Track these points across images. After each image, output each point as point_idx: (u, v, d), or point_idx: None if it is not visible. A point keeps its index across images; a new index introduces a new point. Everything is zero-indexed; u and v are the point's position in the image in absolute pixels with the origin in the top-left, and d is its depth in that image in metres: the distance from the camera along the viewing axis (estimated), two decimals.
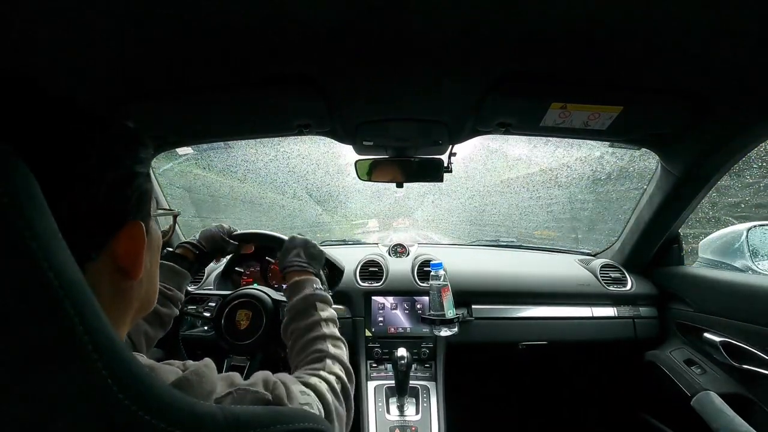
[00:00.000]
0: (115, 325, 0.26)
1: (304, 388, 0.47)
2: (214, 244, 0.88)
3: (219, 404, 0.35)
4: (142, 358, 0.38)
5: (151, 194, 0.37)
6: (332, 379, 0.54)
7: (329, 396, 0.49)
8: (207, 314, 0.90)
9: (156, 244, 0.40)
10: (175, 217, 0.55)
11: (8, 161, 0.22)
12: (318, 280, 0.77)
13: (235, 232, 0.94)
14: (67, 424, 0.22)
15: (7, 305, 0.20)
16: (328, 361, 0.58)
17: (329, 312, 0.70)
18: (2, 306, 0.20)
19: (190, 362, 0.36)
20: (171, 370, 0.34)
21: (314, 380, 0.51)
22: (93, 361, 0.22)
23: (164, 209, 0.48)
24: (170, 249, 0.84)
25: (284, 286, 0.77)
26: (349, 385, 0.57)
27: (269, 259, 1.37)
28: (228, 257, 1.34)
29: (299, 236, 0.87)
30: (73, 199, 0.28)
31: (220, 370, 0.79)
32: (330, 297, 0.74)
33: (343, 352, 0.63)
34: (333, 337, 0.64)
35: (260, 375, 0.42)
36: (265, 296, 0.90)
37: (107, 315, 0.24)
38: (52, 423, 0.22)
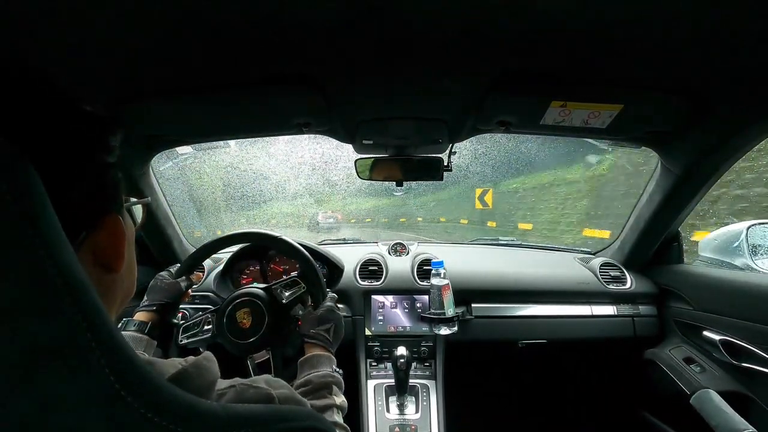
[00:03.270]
0: None
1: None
2: (166, 293, 0.86)
3: (220, 398, 0.35)
4: (143, 355, 0.38)
5: (121, 184, 0.37)
6: None
7: None
8: (208, 335, 0.90)
9: (131, 235, 0.39)
10: (145, 205, 0.53)
11: (14, 160, 0.22)
12: (335, 360, 0.78)
13: (176, 270, 0.93)
14: (69, 421, 0.22)
15: (10, 303, 0.20)
16: None
17: (342, 399, 0.70)
18: (5, 304, 0.20)
19: (191, 358, 0.36)
20: (171, 364, 0.34)
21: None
22: (96, 359, 0.22)
23: (135, 198, 0.45)
24: (128, 319, 0.83)
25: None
26: None
27: (270, 261, 1.37)
28: (227, 259, 1.34)
29: (337, 311, 0.86)
30: (59, 196, 0.27)
31: (243, 371, 0.78)
32: (343, 382, 0.73)
33: None
34: (342, 427, 0.64)
35: (262, 376, 0.42)
36: (257, 290, 0.90)
37: None
38: (54, 421, 0.22)
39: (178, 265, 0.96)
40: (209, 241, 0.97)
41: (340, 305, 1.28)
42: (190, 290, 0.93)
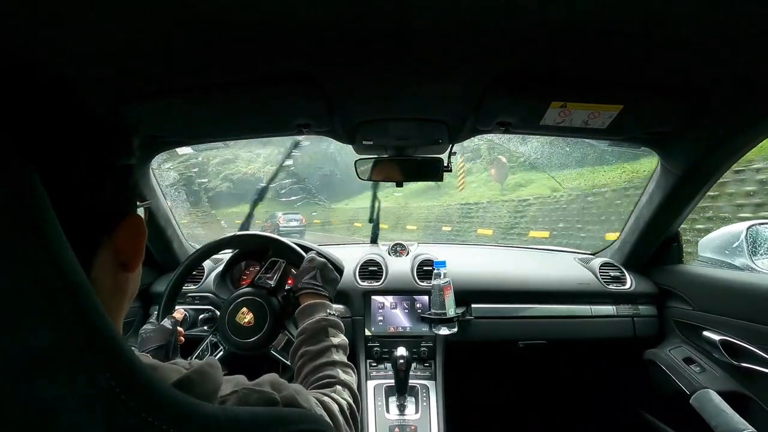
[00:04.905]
0: (113, 320, 0.26)
1: (317, 401, 0.47)
2: (156, 339, 0.86)
3: (223, 404, 0.35)
4: (146, 358, 0.38)
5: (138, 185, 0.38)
6: (343, 404, 0.54)
7: (340, 418, 0.50)
8: (222, 353, 0.90)
9: None
10: (147, 208, 0.54)
11: (13, 160, 0.21)
12: (331, 305, 0.78)
13: (155, 317, 0.93)
14: (69, 424, 0.22)
15: (9, 307, 0.20)
16: (339, 387, 0.59)
17: (341, 338, 0.71)
18: (5, 308, 0.20)
19: (195, 361, 0.36)
20: (174, 369, 0.34)
21: (326, 399, 0.51)
22: (96, 363, 0.22)
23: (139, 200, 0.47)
24: None
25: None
26: (357, 413, 0.57)
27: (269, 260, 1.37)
28: (226, 260, 1.34)
29: (318, 258, 0.86)
30: (80, 197, 0.28)
31: (261, 366, 0.79)
32: (341, 323, 0.74)
33: (353, 379, 0.63)
34: (343, 364, 0.65)
35: (268, 377, 0.42)
36: (245, 289, 0.91)
37: (107, 310, 0.24)
38: (54, 423, 0.21)
39: (156, 312, 0.97)
40: (173, 278, 0.98)
41: (339, 306, 1.28)
42: (180, 327, 0.92)
